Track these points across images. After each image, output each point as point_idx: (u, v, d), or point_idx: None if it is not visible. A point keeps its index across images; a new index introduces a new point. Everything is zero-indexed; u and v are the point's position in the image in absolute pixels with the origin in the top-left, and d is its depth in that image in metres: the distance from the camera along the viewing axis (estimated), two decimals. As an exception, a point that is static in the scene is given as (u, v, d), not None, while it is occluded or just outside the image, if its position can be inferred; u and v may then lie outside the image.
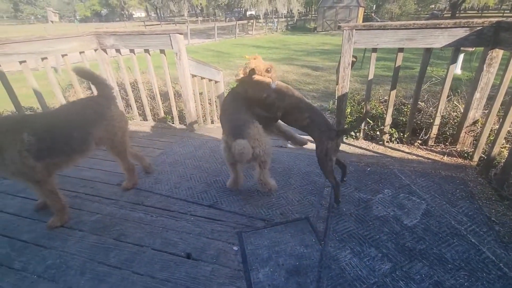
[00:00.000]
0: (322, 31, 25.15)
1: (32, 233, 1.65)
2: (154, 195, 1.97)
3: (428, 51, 2.26)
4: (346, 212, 1.75)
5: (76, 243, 1.57)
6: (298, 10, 32.07)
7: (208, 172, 2.25)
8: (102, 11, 61.16)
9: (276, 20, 28.46)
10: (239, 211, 1.80)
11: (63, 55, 2.71)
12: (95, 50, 3.02)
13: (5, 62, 2.25)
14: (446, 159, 2.32)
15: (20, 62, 2.35)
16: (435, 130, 2.47)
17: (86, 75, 1.82)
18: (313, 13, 38.64)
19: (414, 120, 2.64)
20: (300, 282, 1.31)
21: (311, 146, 2.66)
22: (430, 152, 2.44)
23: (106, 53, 3.10)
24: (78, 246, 1.55)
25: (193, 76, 3.23)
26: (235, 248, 1.52)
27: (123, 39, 2.92)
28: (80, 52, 2.87)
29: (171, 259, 1.45)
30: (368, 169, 2.22)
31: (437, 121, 2.42)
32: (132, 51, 3.02)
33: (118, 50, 3.06)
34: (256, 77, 1.88)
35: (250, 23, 25.19)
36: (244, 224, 1.69)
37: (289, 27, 29.33)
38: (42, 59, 2.55)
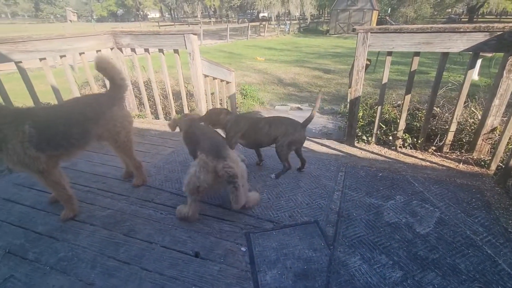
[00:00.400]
0: (334, 34, 24.96)
1: (46, 225, 1.70)
2: (164, 193, 2.00)
3: (445, 55, 2.21)
4: (356, 217, 1.72)
5: (88, 236, 1.61)
6: (311, 12, 31.96)
7: (217, 172, 2.26)
8: (118, 11, 62.62)
9: (288, 22, 28.42)
10: (248, 212, 1.79)
11: (80, 53, 2.79)
12: (111, 49, 3.09)
13: (27, 59, 2.33)
14: (461, 166, 2.25)
15: (40, 59, 2.43)
16: (450, 136, 2.40)
17: (106, 67, 1.78)
18: (326, 15, 38.41)
19: (429, 126, 2.58)
20: (308, 286, 1.30)
21: (321, 149, 2.64)
22: (444, 159, 2.37)
23: (122, 52, 3.17)
24: (90, 240, 1.59)
25: (206, 76, 3.26)
26: (243, 248, 1.52)
27: (139, 38, 2.98)
28: (97, 51, 2.94)
29: (180, 257, 1.46)
30: (380, 174, 2.17)
31: (453, 127, 2.36)
32: (147, 50, 3.08)
33: (133, 50, 3.12)
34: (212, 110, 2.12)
35: (262, 25, 25.27)
36: (252, 225, 1.68)
37: (301, 30, 29.25)
38: (61, 56, 2.63)
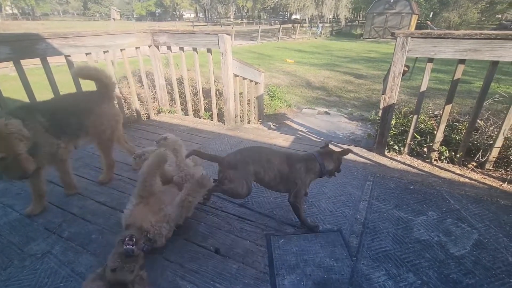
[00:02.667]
0: (369, 38, 24.10)
1: (81, 208, 1.82)
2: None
3: (495, 64, 2.03)
4: (383, 230, 1.64)
5: (117, 222, 1.69)
6: (345, 15, 31.15)
7: (241, 171, 2.27)
8: (156, 11, 65.82)
9: (321, 25, 27.94)
10: (269, 213, 1.78)
11: (122, 49, 2.96)
12: (149, 46, 3.24)
13: (75, 53, 2.52)
14: (506, 186, 2.05)
15: (86, 54, 2.62)
16: (495, 152, 2.20)
17: (87, 74, 1.93)
18: (360, 19, 37.24)
19: (470, 139, 2.38)
20: (327, 296, 1.26)
21: (349, 156, 2.55)
22: (486, 177, 2.18)
23: (158, 50, 3.32)
24: (118, 226, 1.67)
25: (236, 76, 3.30)
26: (263, 250, 1.51)
27: (175, 37, 3.10)
28: (136, 48, 3.10)
29: (200, 252, 1.49)
30: (411, 187, 2.05)
31: (499, 142, 2.16)
32: (181, 49, 3.19)
33: (169, 48, 3.25)
34: None
35: (293, 27, 25.10)
36: (273, 228, 1.67)
37: (333, 33, 28.62)
38: (104, 52, 2.81)
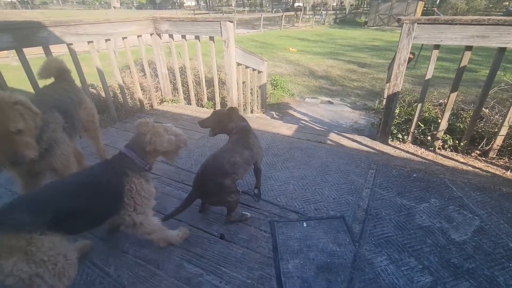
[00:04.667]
0: (373, 26, 23.57)
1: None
2: (194, 175, 2.07)
3: (503, 51, 2.00)
4: (385, 217, 1.66)
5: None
6: (350, 2, 30.39)
7: (245, 159, 2.29)
8: (156, -1, 64.56)
9: (324, 12, 27.32)
10: (273, 200, 1.81)
11: (123, 38, 2.94)
12: (151, 34, 3.21)
13: (77, 41, 2.51)
14: (509, 174, 2.05)
15: (88, 42, 2.60)
16: (499, 141, 2.20)
17: (55, 68, 1.74)
18: (365, 6, 36.31)
19: (475, 128, 2.37)
20: (330, 279, 1.29)
21: (352, 145, 2.56)
22: (490, 165, 2.18)
23: (160, 38, 3.28)
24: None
25: (238, 64, 3.27)
26: (267, 235, 1.54)
27: (177, 24, 3.06)
28: (138, 36, 3.07)
29: (206, 237, 1.53)
30: (414, 175, 2.06)
31: (504, 131, 2.15)
32: (183, 37, 3.15)
33: (171, 36, 3.22)
34: None
35: (296, 15, 24.58)
36: (277, 214, 1.70)
37: (337, 21, 28.00)
38: (106, 40, 2.79)
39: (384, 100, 3.03)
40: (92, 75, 3.30)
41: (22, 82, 2.97)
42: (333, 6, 31.80)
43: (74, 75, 2.59)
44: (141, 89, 3.42)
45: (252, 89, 4.29)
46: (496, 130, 2.26)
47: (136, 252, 1.44)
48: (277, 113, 5.04)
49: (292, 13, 26.32)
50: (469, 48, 2.07)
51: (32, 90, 2.24)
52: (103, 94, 3.48)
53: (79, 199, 1.09)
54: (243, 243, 1.49)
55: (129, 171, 1.24)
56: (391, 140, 2.60)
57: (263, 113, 4.87)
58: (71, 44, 2.48)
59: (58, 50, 3.21)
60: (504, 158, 2.23)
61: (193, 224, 1.61)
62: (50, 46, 2.32)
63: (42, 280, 0.91)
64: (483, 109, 2.62)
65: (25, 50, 2.19)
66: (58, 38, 2.36)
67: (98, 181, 1.18)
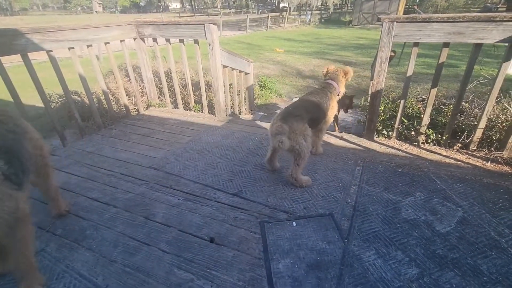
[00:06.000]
0: (357, 25, 24.00)
1: (74, 205, 1.81)
2: (182, 180, 2.06)
3: (478, 47, 2.07)
4: (372, 212, 1.69)
5: (111, 217, 1.70)
6: (333, 2, 30.85)
7: (234, 161, 2.29)
8: (140, 2, 63.77)
9: (309, 12, 27.61)
10: (263, 201, 1.82)
11: (105, 43, 2.89)
12: (134, 39, 3.17)
13: (57, 48, 2.45)
14: (489, 165, 2.13)
15: (69, 49, 2.55)
16: (479, 133, 2.28)
17: None
18: (349, 5, 36.93)
19: (456, 122, 2.45)
20: (320, 277, 1.31)
21: (339, 143, 2.60)
22: (471, 157, 2.26)
23: (144, 42, 3.24)
24: (112, 220, 1.68)
25: (224, 66, 3.27)
26: (257, 237, 1.54)
27: (160, 28, 3.03)
28: (121, 41, 3.03)
29: (196, 241, 1.52)
30: (400, 170, 2.11)
31: (482, 123, 2.23)
32: (168, 40, 3.13)
33: (155, 40, 3.19)
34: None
35: (282, 16, 24.76)
36: (266, 215, 1.70)
37: (322, 20, 28.37)
38: (88, 46, 2.73)
39: (369, 98, 3.08)
40: (75, 81, 3.23)
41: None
42: (317, 6, 32.17)
43: (56, 82, 2.54)
44: (127, 94, 3.37)
45: (239, 91, 4.30)
46: (476, 123, 2.34)
47: (125, 261, 1.41)
48: (265, 114, 5.05)
49: (278, 13, 26.48)
50: (446, 45, 2.14)
51: (12, 100, 2.18)
52: (87, 100, 3.40)
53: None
54: (234, 246, 1.49)
55: None
56: (377, 137, 2.65)
57: (251, 114, 4.88)
58: (51, 51, 2.42)
59: (39, 57, 3.12)
60: (484, 150, 2.31)
61: (182, 229, 1.60)
62: (29, 54, 2.26)
63: (302, 146, 1.81)
64: (463, 103, 2.71)
65: (3, 58, 2.12)
66: (37, 45, 2.30)
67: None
